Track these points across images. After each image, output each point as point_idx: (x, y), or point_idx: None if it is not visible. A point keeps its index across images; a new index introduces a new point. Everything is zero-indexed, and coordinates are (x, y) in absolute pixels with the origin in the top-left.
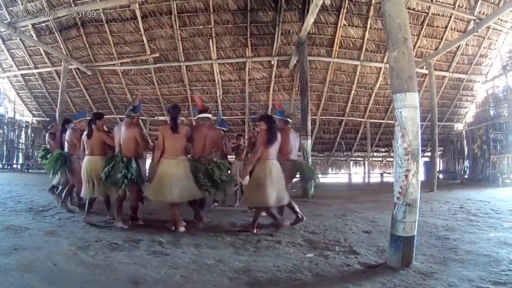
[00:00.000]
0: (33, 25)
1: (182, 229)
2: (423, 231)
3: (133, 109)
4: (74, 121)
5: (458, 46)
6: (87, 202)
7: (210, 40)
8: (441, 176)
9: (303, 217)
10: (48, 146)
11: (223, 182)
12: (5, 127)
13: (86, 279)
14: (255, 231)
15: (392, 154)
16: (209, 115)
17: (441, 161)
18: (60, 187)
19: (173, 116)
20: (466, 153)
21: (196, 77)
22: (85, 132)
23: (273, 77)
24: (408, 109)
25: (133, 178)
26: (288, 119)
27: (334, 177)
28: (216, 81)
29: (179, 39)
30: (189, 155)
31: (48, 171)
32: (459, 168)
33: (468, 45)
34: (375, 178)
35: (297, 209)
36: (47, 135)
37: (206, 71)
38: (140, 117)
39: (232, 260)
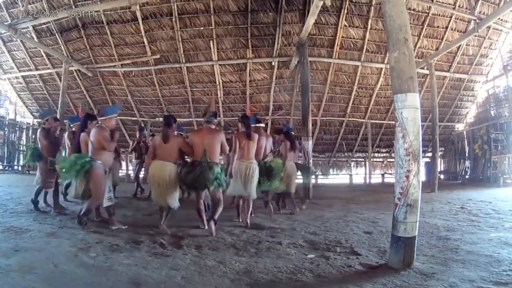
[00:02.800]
0: (33, 26)
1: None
2: (424, 232)
3: (213, 115)
4: (102, 118)
5: (459, 46)
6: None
7: (211, 41)
8: (442, 176)
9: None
10: (39, 145)
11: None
12: (6, 129)
13: (87, 281)
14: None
15: (393, 155)
16: (263, 125)
17: (442, 161)
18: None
19: (247, 124)
20: (467, 153)
21: (197, 79)
22: (156, 136)
23: (274, 78)
24: (409, 110)
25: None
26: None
27: (335, 178)
28: (217, 82)
29: (180, 40)
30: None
31: (66, 179)
32: (460, 168)
33: (469, 45)
34: (376, 179)
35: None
36: (38, 131)
37: (207, 72)
38: (141, 118)
39: (233, 261)
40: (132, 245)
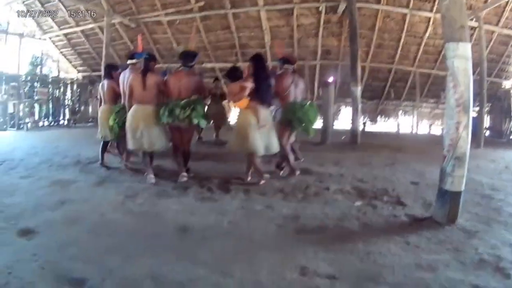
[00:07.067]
0: None
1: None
2: (468, 188)
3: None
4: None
5: (508, 1)
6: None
7: None
8: (487, 133)
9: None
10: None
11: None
12: (49, 86)
13: (134, 228)
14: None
15: (440, 106)
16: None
17: (488, 118)
18: None
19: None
20: None
21: (243, 24)
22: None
23: (321, 23)
24: (460, 60)
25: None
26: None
27: (383, 125)
28: (264, 28)
29: None
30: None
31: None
32: (506, 127)
33: None
34: (423, 129)
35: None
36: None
37: (253, 17)
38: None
39: (281, 206)
40: (179, 191)
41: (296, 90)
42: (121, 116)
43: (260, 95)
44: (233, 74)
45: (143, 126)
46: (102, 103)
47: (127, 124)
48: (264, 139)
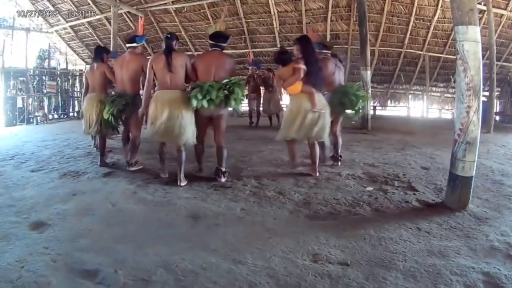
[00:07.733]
0: None
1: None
2: (479, 173)
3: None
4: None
5: None
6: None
7: None
8: (497, 118)
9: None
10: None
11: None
12: (58, 79)
13: (146, 217)
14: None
15: (450, 90)
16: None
17: (497, 102)
18: None
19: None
20: None
21: (251, 10)
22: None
23: (330, 7)
24: (470, 43)
25: None
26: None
27: (393, 109)
28: (272, 13)
29: None
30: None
31: None
32: None
33: None
34: (433, 113)
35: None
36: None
37: (261, 3)
38: (197, 52)
39: (293, 192)
40: (191, 178)
41: (340, 74)
42: (116, 105)
43: (313, 79)
44: (283, 57)
45: (168, 114)
46: (89, 91)
47: (150, 112)
48: (313, 126)
